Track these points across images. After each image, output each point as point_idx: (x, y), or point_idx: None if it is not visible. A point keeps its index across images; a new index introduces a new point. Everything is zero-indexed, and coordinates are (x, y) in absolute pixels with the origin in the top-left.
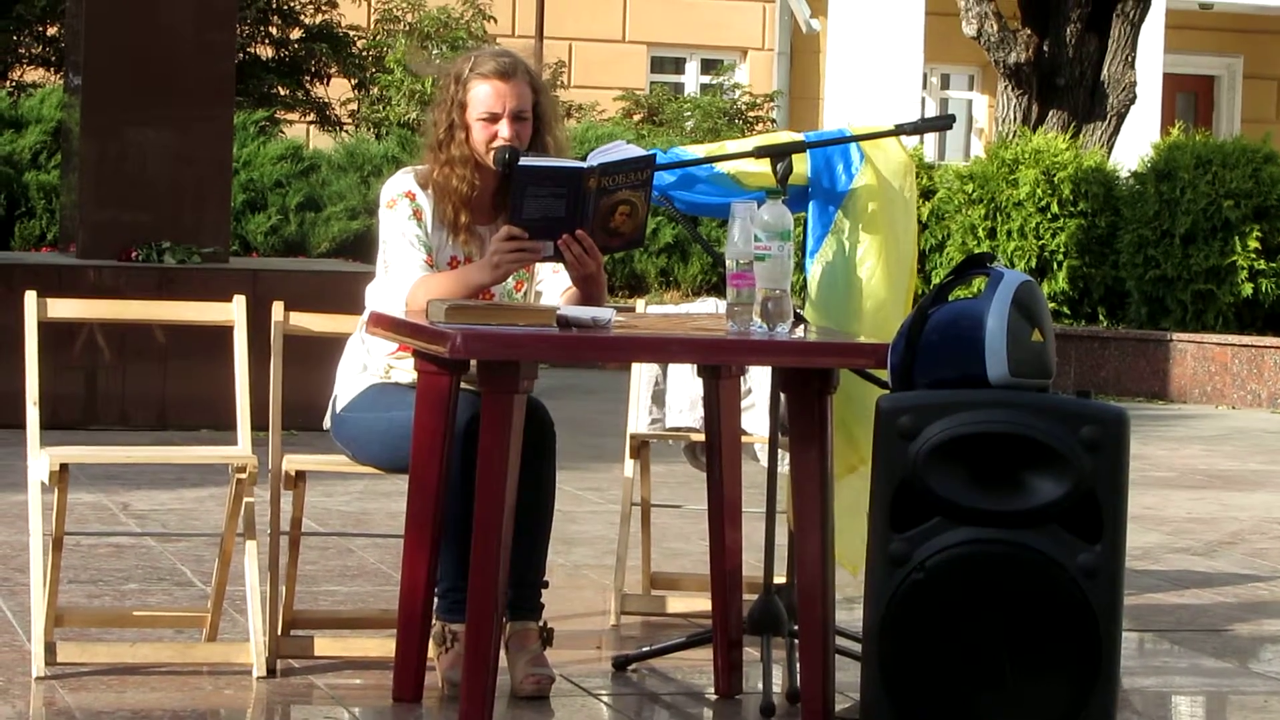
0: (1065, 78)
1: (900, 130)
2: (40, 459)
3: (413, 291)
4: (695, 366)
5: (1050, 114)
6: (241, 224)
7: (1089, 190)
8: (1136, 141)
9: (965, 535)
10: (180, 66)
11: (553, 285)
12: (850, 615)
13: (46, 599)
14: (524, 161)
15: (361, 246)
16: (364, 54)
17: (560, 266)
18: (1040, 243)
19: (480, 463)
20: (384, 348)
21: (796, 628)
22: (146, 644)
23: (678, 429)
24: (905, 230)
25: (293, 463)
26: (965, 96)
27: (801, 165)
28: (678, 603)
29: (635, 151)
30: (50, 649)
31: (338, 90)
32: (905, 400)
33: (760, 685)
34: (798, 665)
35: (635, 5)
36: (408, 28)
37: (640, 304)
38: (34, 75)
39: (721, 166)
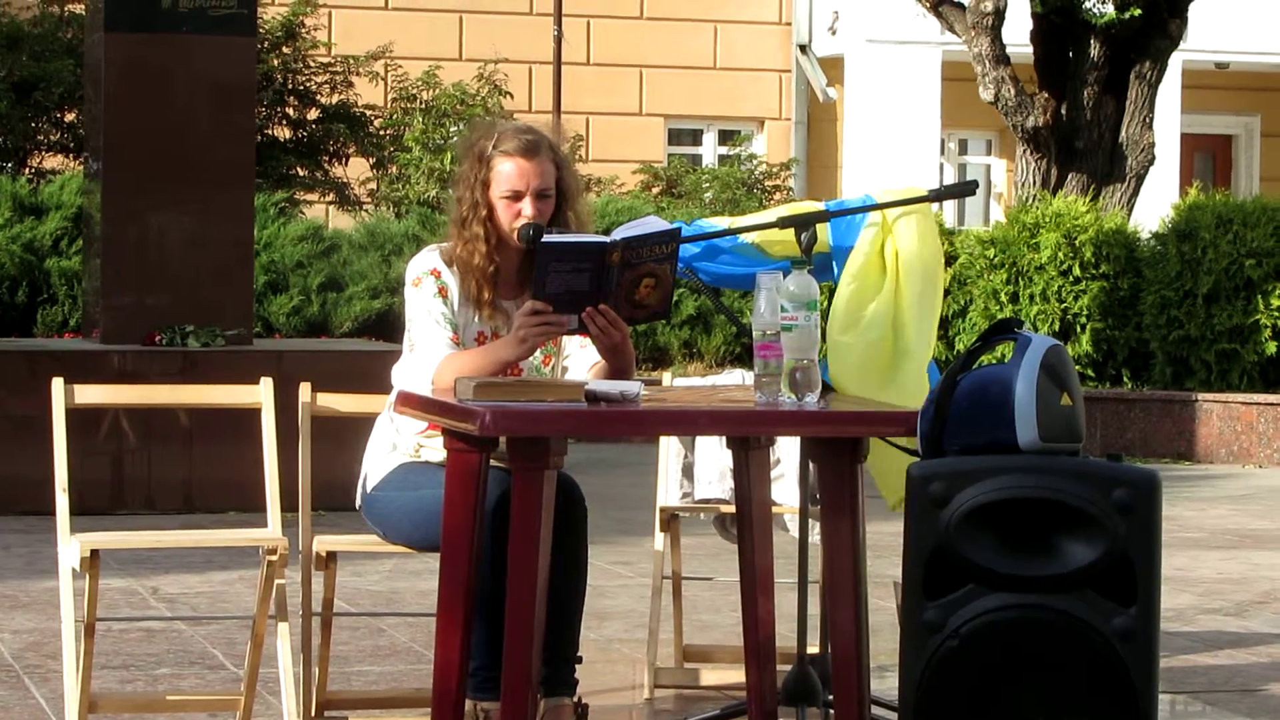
0: (1084, 140)
1: (925, 198)
2: (71, 545)
3: (440, 369)
4: (724, 438)
5: (1069, 177)
6: (264, 305)
7: (1110, 252)
8: (1156, 202)
9: (999, 601)
10: (200, 149)
11: (580, 360)
12: (885, 684)
13: (80, 685)
14: (547, 238)
15: (384, 325)
16: (381, 133)
17: (587, 341)
18: (1063, 306)
19: (512, 539)
20: (413, 426)
21: (831, 698)
22: None
23: (707, 501)
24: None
25: (323, 543)
26: (984, 161)
27: (824, 234)
28: (711, 675)
29: (661, 225)
30: None
31: (356, 170)
32: (936, 467)
33: None
34: None
35: (651, 78)
36: (424, 106)
37: (666, 376)
38: (53, 161)
39: (746, 237)
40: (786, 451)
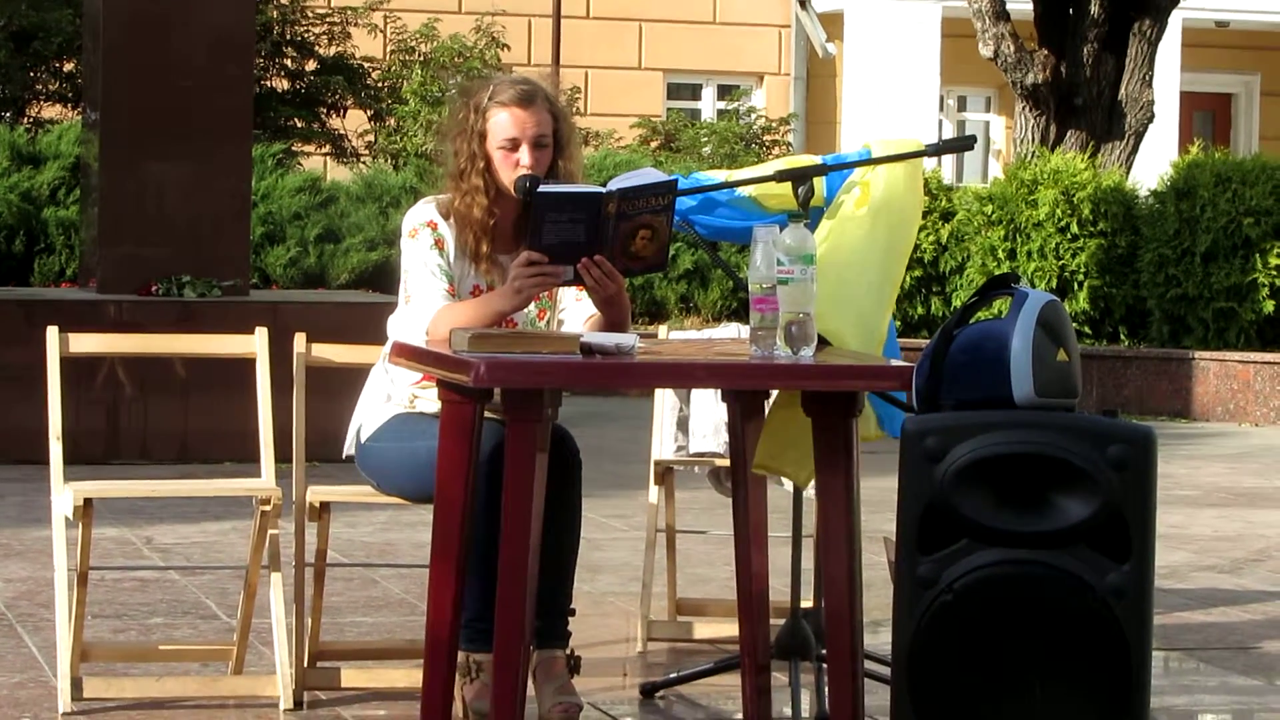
0: (1083, 97)
1: (923, 152)
2: (65, 494)
3: (435, 321)
4: (719, 392)
5: (1068, 134)
6: (261, 256)
7: (1108, 210)
8: (1155, 160)
9: (993, 557)
10: (198, 100)
11: (575, 313)
12: (878, 639)
13: (72, 634)
14: (543, 189)
15: (381, 277)
16: (379, 85)
17: (583, 294)
18: (1060, 263)
19: (506, 491)
20: (408, 377)
21: (825, 652)
22: (172, 678)
23: (702, 454)
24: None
25: (317, 494)
26: (982, 118)
27: (821, 188)
28: (704, 628)
29: (658, 176)
30: (76, 685)
31: (354, 122)
32: (931, 422)
33: (789, 710)
34: (826, 690)
35: (651, 32)
36: (423, 58)
37: (662, 330)
38: (51, 111)
39: (743, 190)
40: None
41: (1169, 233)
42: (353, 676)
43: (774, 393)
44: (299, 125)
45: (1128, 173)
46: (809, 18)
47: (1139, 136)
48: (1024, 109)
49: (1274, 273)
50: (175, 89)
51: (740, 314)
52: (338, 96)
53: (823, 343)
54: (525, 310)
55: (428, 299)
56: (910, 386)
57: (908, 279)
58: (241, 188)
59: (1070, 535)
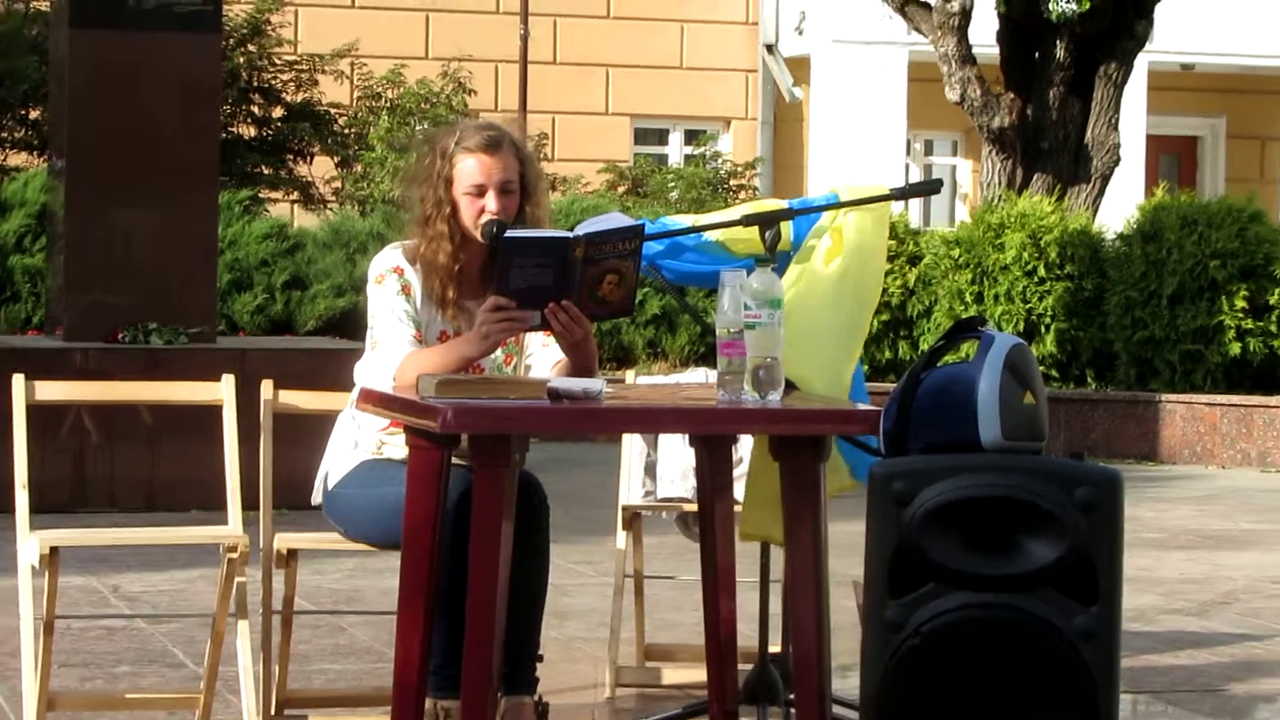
0: (1049, 141)
1: (889, 196)
2: (30, 542)
3: (402, 367)
4: (687, 436)
5: (1035, 177)
6: (228, 303)
7: (1075, 253)
8: (1121, 203)
9: (961, 600)
10: (164, 147)
11: (542, 359)
12: (847, 682)
13: (39, 683)
14: (510, 234)
15: (348, 324)
16: (346, 131)
17: (550, 339)
18: (1028, 306)
19: (473, 537)
20: (375, 424)
21: (793, 696)
22: None
23: (670, 500)
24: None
25: (284, 541)
26: (949, 162)
27: (788, 232)
28: (673, 674)
29: (625, 221)
30: None
31: (321, 168)
32: (898, 466)
33: None
34: None
35: (618, 77)
36: (389, 104)
37: (630, 375)
38: (17, 159)
39: (710, 235)
40: (749, 450)
41: (1135, 275)
42: None
43: (747, 451)
44: (266, 172)
45: (1094, 216)
46: (776, 62)
47: (1105, 179)
48: (990, 152)
49: (1240, 315)
50: (141, 136)
51: (708, 358)
52: (305, 143)
53: (790, 387)
54: (492, 356)
55: (394, 345)
56: (878, 430)
57: (875, 323)
58: (208, 235)
59: (1037, 578)
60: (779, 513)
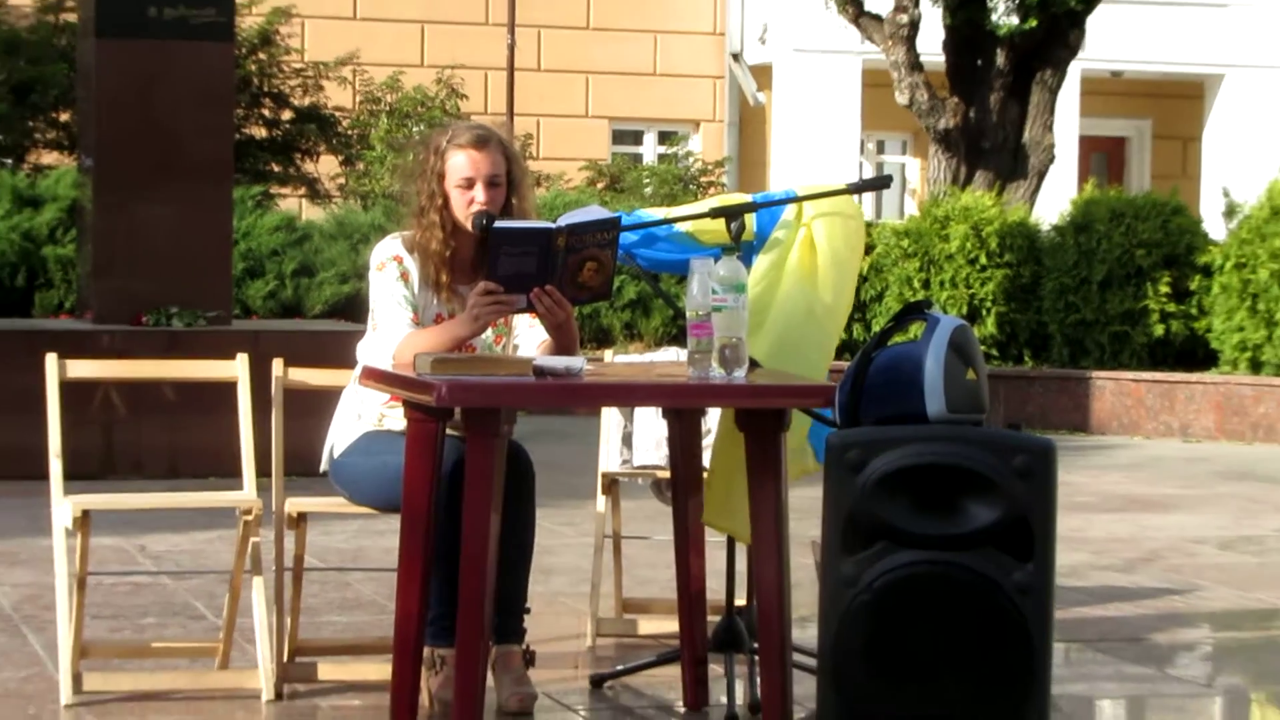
0: (990, 141)
1: (843, 190)
2: (64, 506)
3: (400, 347)
4: (660, 409)
5: (977, 174)
6: (242, 289)
7: (1014, 243)
8: (1056, 198)
9: (908, 558)
10: (183, 147)
11: (529, 339)
12: (805, 633)
13: (72, 634)
14: (498, 224)
15: (352, 307)
16: (349, 132)
17: (535, 321)
18: (970, 292)
19: (466, 501)
20: (377, 398)
21: (757, 645)
22: (164, 673)
23: (645, 467)
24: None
25: (294, 505)
26: (899, 160)
27: (752, 223)
28: (648, 625)
29: (603, 214)
30: (77, 679)
31: (326, 166)
32: (852, 436)
33: (725, 698)
34: (758, 679)
35: (597, 83)
36: (388, 108)
37: (608, 354)
38: (49, 158)
39: (680, 226)
40: (717, 421)
41: (1068, 263)
42: (329, 670)
43: (715, 423)
44: (276, 169)
45: (1031, 209)
46: (741, 70)
47: (1041, 176)
48: (937, 151)
49: (1164, 299)
50: (162, 137)
51: (679, 339)
52: (311, 143)
53: (753, 365)
54: (483, 336)
55: (394, 327)
56: (834, 404)
57: None
58: (224, 227)
59: (979, 538)
60: (740, 511)
